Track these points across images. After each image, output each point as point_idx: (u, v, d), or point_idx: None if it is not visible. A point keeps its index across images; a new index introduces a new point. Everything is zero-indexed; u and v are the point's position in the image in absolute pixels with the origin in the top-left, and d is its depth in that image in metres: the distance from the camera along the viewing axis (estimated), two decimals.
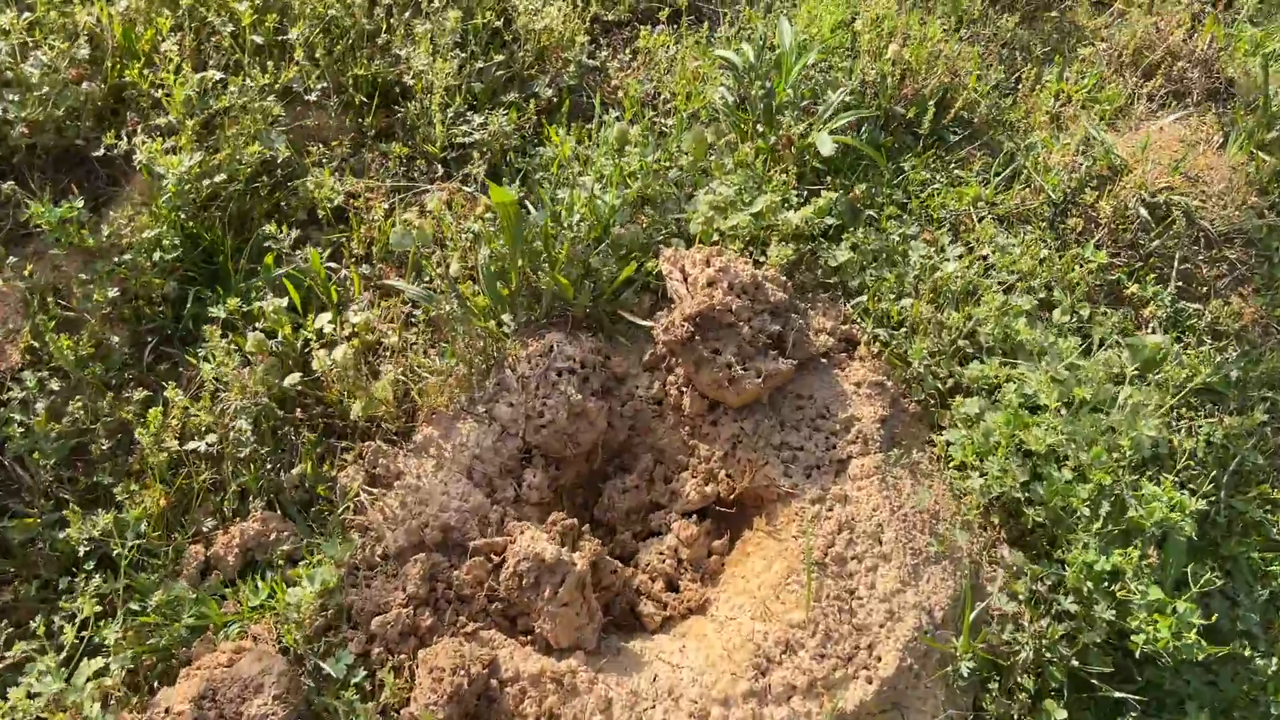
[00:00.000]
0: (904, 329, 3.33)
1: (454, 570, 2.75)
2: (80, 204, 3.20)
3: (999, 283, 3.47)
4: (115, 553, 2.67)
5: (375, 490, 2.90)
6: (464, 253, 3.31)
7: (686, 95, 4.07)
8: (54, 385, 2.99)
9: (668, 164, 3.76)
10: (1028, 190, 3.85)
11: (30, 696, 2.35)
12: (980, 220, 3.70)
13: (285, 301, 3.10)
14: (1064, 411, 2.99)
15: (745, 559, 2.99)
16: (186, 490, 2.90)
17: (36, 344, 3.05)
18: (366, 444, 2.99)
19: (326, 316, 3.10)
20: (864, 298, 3.41)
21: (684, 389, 3.17)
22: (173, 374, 3.15)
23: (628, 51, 4.41)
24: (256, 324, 3.12)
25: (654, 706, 2.54)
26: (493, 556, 2.79)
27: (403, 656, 2.56)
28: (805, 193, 3.69)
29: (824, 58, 4.09)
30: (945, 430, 3.15)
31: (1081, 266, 3.50)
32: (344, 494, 2.89)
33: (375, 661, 2.55)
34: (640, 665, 2.67)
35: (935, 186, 3.84)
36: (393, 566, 2.74)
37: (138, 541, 2.74)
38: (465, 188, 3.68)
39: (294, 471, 2.89)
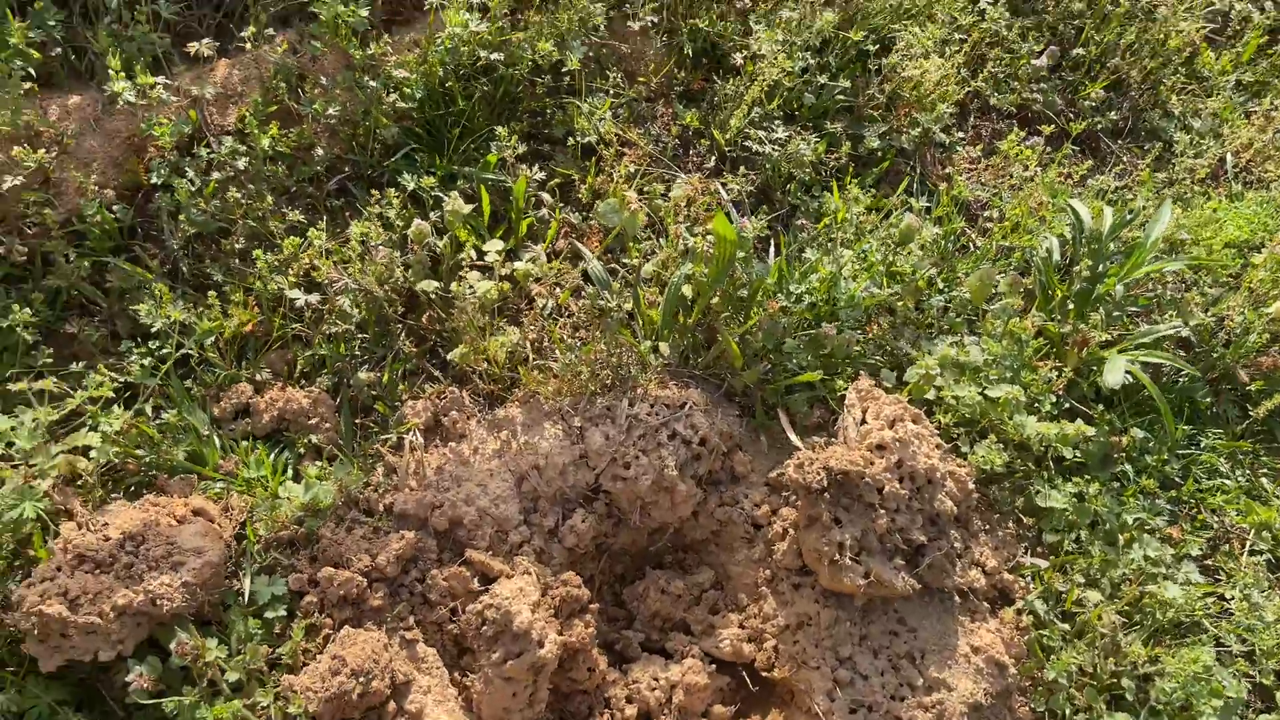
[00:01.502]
0: (1071, 623, 2.65)
1: (437, 568, 2.45)
2: (365, 11, 3.06)
3: (1217, 640, 2.69)
4: (173, 346, 2.58)
5: (426, 439, 2.64)
6: (669, 260, 2.93)
7: (1013, 226, 3.43)
8: (240, 164, 2.91)
9: (938, 286, 3.18)
10: None
11: (1, 441, 2.28)
12: (1250, 555, 2.88)
13: (471, 208, 2.85)
14: None
15: None
16: (280, 330, 2.75)
17: (251, 118, 2.98)
18: (451, 388, 2.72)
19: (498, 245, 2.83)
20: (1047, 562, 2.74)
21: (788, 532, 2.67)
22: (341, 212, 3.01)
23: (986, 145, 3.79)
24: (433, 213, 2.90)
25: None
26: (482, 579, 2.46)
27: (328, 621, 2.31)
28: (1064, 407, 3.01)
29: (1188, 272, 3.31)
30: None
31: None
32: (398, 423, 2.65)
33: (302, 608, 2.32)
34: None
35: (1224, 484, 3.03)
36: (386, 525, 2.48)
37: (200, 351, 2.63)
38: (721, 192, 3.28)
39: (367, 374, 2.67)
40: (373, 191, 2.90)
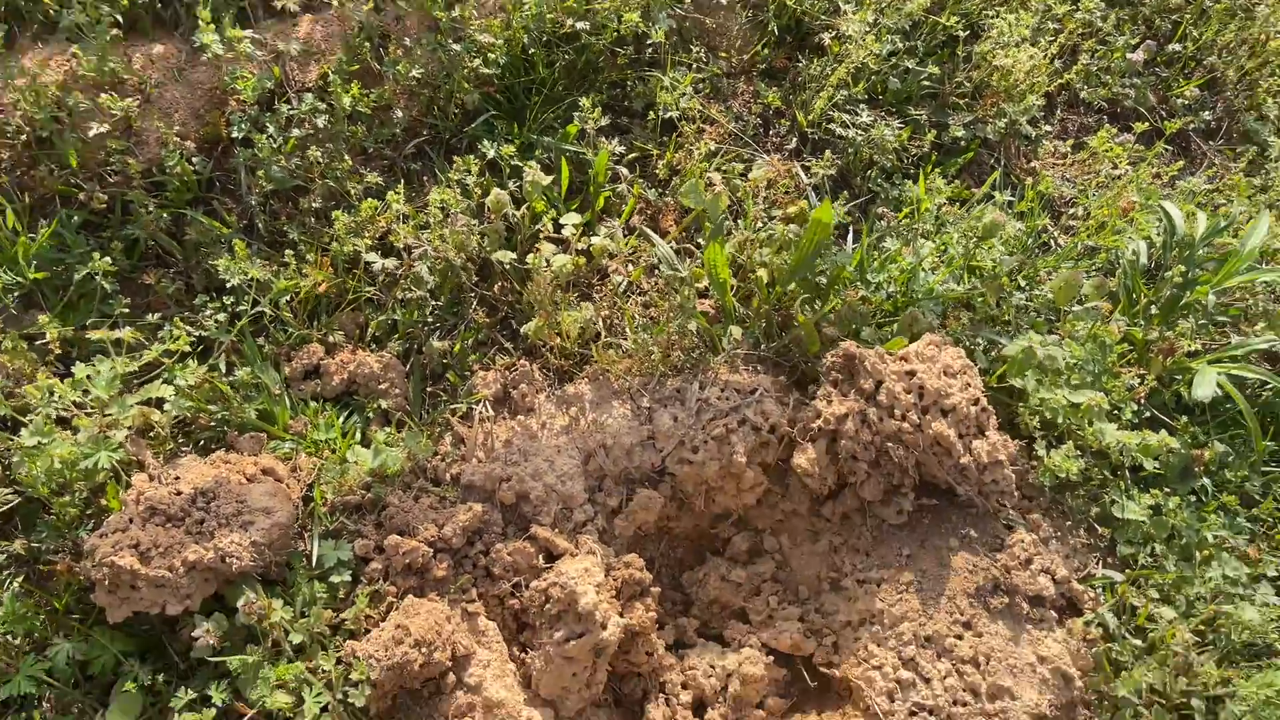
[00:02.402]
0: (1142, 639, 2.57)
1: (503, 541, 2.43)
2: None
3: None
4: (250, 304, 2.57)
5: (495, 411, 2.61)
6: (745, 243, 2.87)
7: (1100, 225, 3.32)
8: (320, 122, 2.88)
9: (1018, 284, 3.09)
10: None
11: (78, 388, 2.28)
12: None
13: (550, 179, 2.81)
14: None
15: None
16: (350, 292, 2.74)
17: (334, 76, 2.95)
18: (521, 361, 2.69)
19: (575, 219, 2.79)
20: (1121, 574, 2.66)
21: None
22: (418, 176, 2.98)
23: (1074, 140, 3.67)
24: (511, 182, 2.86)
25: None
26: (547, 555, 2.44)
27: (392, 589, 2.30)
28: (1144, 416, 2.92)
29: None
30: None
31: None
32: (468, 393, 2.62)
33: (366, 574, 2.31)
34: None
35: None
36: (453, 496, 2.46)
37: (274, 309, 2.62)
38: (801, 175, 3.20)
39: (439, 342, 2.65)
40: (453, 158, 2.87)
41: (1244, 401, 2.77)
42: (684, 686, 2.54)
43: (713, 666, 2.56)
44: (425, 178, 2.97)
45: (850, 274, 2.94)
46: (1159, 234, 3.18)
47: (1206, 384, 2.70)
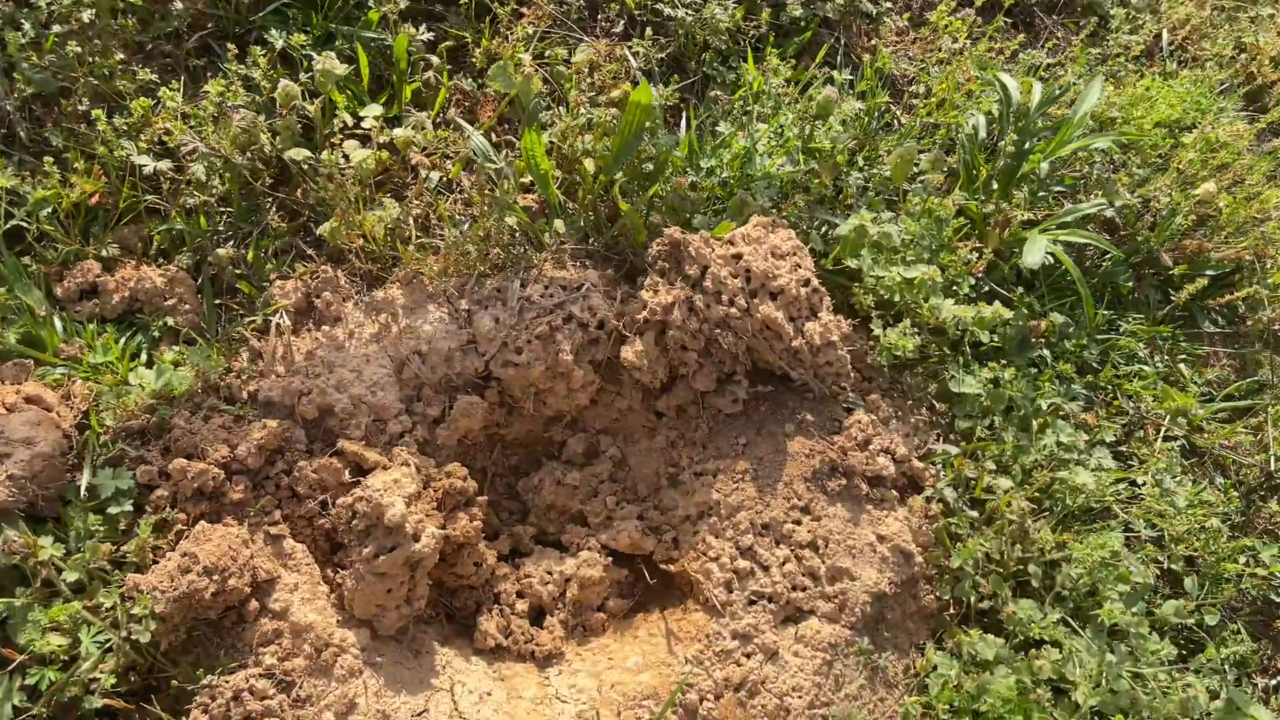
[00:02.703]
0: (980, 511, 2.56)
1: (307, 459, 2.26)
2: None
3: (1127, 526, 2.63)
4: (3, 218, 2.30)
5: (297, 322, 2.42)
6: (568, 130, 2.69)
7: (940, 102, 3.24)
8: (84, 16, 2.58)
9: (859, 164, 2.99)
10: (1251, 439, 2.91)
11: None
12: (1164, 440, 2.81)
13: (347, 69, 2.58)
14: None
15: (628, 642, 2.40)
16: (130, 202, 2.48)
17: None
18: (324, 267, 2.49)
19: (376, 110, 2.57)
20: (956, 448, 2.64)
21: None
22: (203, 74, 2.71)
23: (914, 16, 3.56)
24: (304, 74, 2.62)
25: None
26: (356, 471, 2.28)
27: (182, 516, 2.12)
28: (983, 290, 2.88)
29: (1117, 152, 3.16)
30: (942, 651, 2.41)
31: (1249, 566, 2.61)
32: (264, 304, 2.42)
33: (151, 503, 2.12)
34: (427, 686, 2.16)
35: (1143, 370, 2.94)
36: (250, 414, 2.28)
37: (39, 224, 2.36)
38: (630, 59, 3.03)
39: (226, 250, 2.43)
40: (232, 48, 2.60)
41: (1075, 268, 2.75)
42: (520, 595, 2.44)
43: (550, 573, 2.46)
44: (210, 75, 2.71)
45: (680, 160, 2.80)
46: (998, 108, 3.11)
47: (1036, 251, 2.66)
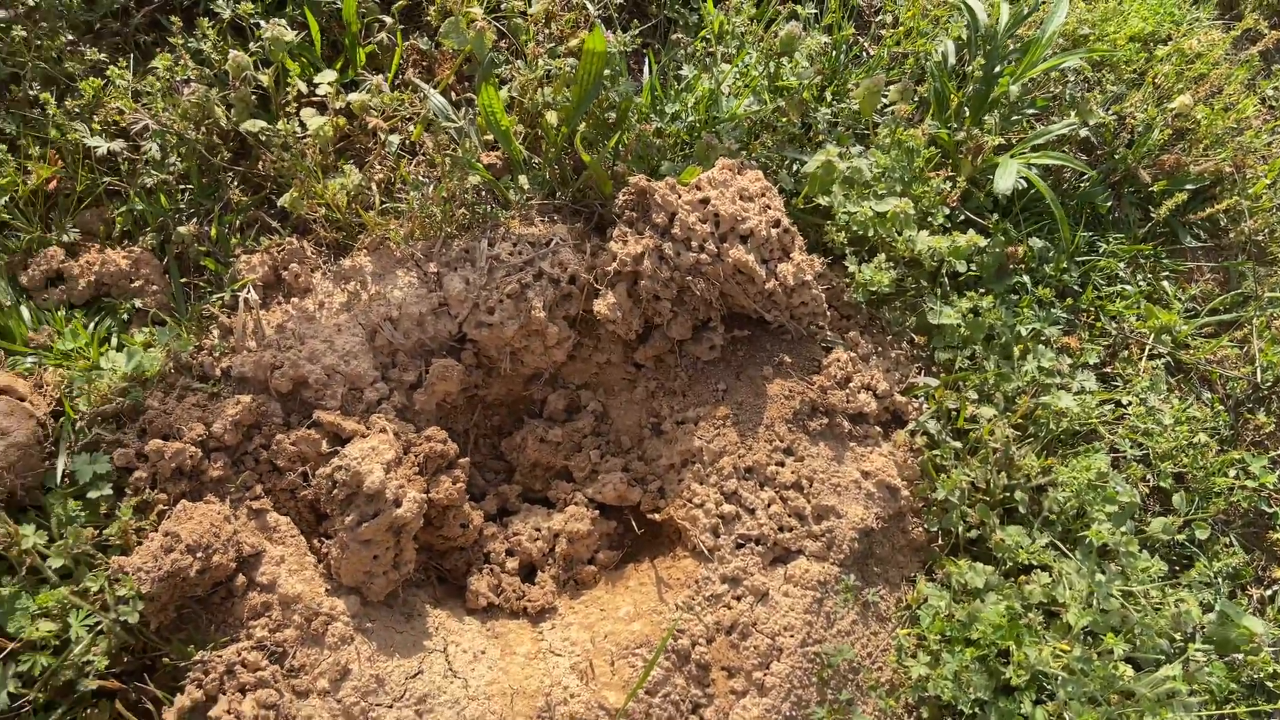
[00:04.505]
0: (964, 442, 2.55)
1: (284, 433, 2.26)
2: None
3: (1113, 446, 2.62)
4: None
5: (266, 296, 2.40)
6: (527, 84, 2.65)
7: (906, 31, 3.18)
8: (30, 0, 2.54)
9: (828, 101, 2.95)
10: (1236, 352, 2.90)
11: None
12: (1149, 359, 2.80)
13: (298, 36, 2.53)
14: (1079, 645, 2.23)
15: (619, 592, 2.41)
16: (88, 185, 2.46)
17: None
18: (290, 239, 2.47)
19: (329, 76, 2.53)
20: (935, 380, 2.63)
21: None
22: (153, 50, 2.67)
23: None
24: (254, 44, 2.58)
25: (390, 708, 2.05)
26: (335, 440, 2.28)
27: (163, 496, 2.12)
28: (959, 220, 2.85)
29: (1088, 69, 3.11)
30: (932, 582, 2.43)
31: (1239, 479, 2.62)
32: (231, 280, 2.40)
33: (130, 486, 2.12)
34: (420, 649, 2.17)
35: (1124, 289, 2.92)
36: (224, 391, 2.27)
37: (0, 213, 2.34)
38: (588, 5, 2.97)
39: (187, 228, 2.40)
40: (177, 21, 2.56)
41: (1048, 190, 2.71)
42: (509, 554, 2.45)
43: (538, 529, 2.47)
44: (160, 50, 2.66)
45: (644, 107, 2.76)
46: (967, 32, 3.06)
47: (1008, 176, 2.63)
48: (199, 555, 1.99)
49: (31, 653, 1.91)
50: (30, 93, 2.47)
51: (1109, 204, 3.01)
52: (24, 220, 2.38)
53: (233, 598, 2.09)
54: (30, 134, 2.43)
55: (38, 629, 1.90)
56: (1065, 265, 2.88)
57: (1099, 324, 2.87)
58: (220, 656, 1.99)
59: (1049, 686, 2.22)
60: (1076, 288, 2.90)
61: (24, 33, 2.43)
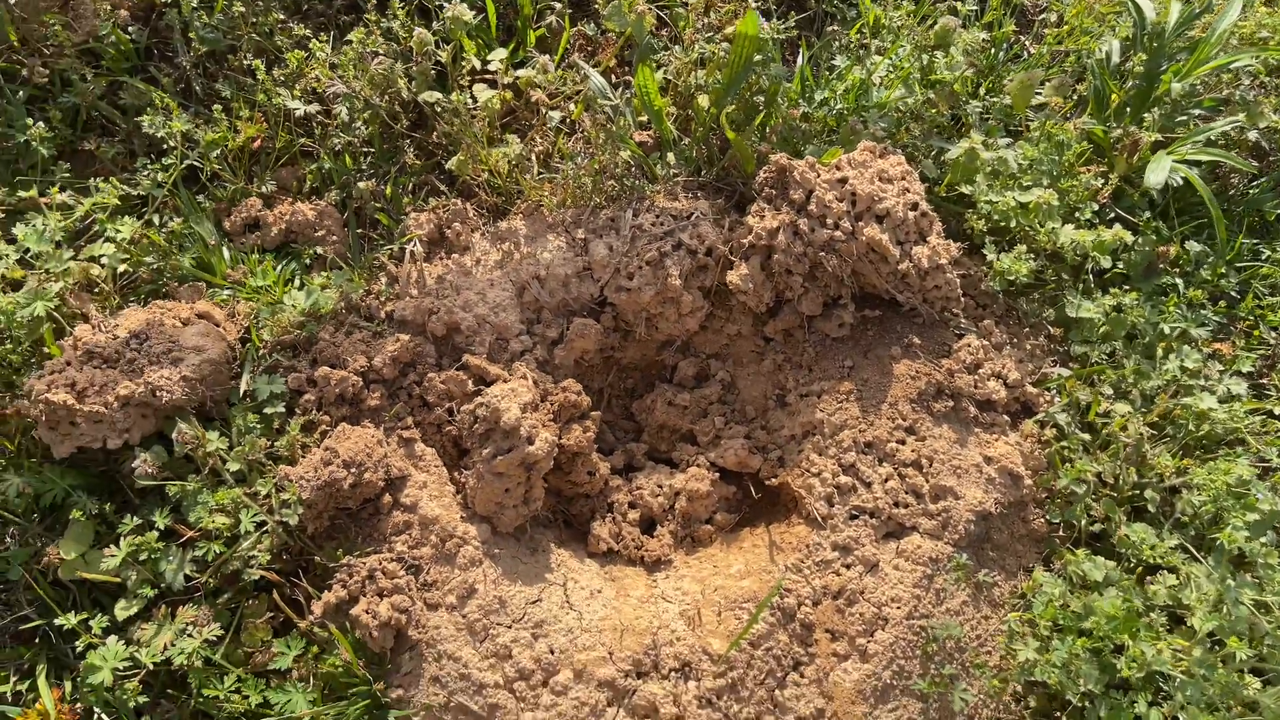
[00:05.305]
0: (1094, 436, 2.52)
1: (435, 372, 2.47)
2: None
3: (1260, 457, 2.52)
4: (177, 158, 2.61)
5: (430, 251, 2.63)
6: (682, 67, 2.80)
7: (1069, 30, 3.15)
8: None
9: (980, 95, 2.96)
10: None
11: (24, 252, 2.37)
12: None
13: (475, 17, 2.77)
14: (1201, 648, 2.16)
15: (733, 552, 2.51)
16: (286, 144, 2.76)
17: None
18: (454, 200, 2.70)
19: (501, 54, 2.75)
20: (1068, 370, 2.59)
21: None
22: (350, 29, 2.96)
23: None
24: (436, 24, 2.83)
25: (509, 628, 2.22)
26: (479, 383, 2.48)
27: (326, 418, 2.37)
28: (1108, 217, 2.80)
29: (1263, 71, 3.00)
30: (1051, 572, 2.40)
31: None
32: (401, 234, 2.65)
33: (300, 406, 2.38)
34: (541, 580, 2.33)
35: None
36: (386, 331, 2.51)
37: (210, 165, 2.67)
38: None
39: (366, 184, 2.66)
40: (373, 0, 2.84)
41: (1204, 187, 2.64)
42: (631, 506, 2.58)
43: (660, 486, 2.60)
44: (355, 27, 2.95)
45: (794, 93, 2.86)
46: (1135, 31, 3.00)
47: (1160, 170, 2.58)
48: (353, 471, 2.22)
49: (206, 541, 2.17)
50: (245, 62, 2.79)
51: (1278, 211, 2.89)
52: (231, 173, 2.71)
53: (379, 514, 2.31)
54: (242, 97, 2.76)
55: (214, 521, 2.16)
56: (1224, 270, 2.78)
57: (1257, 333, 2.76)
58: (364, 563, 2.21)
59: (1164, 688, 2.17)
60: (1235, 294, 2.80)
61: (242, 9, 2.76)
